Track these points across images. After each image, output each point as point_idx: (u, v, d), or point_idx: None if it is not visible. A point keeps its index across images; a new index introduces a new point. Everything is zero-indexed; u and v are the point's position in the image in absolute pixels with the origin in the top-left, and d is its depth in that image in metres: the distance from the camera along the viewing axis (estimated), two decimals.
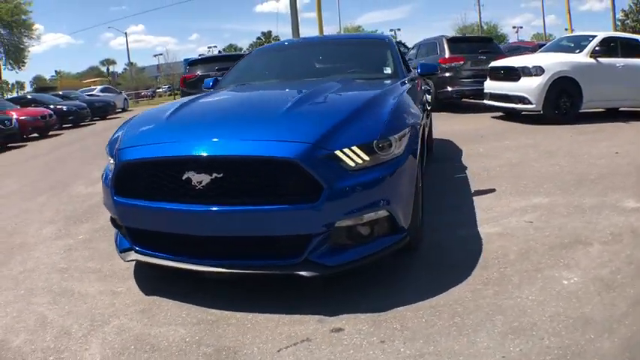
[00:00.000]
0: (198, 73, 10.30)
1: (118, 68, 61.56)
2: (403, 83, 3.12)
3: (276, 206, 1.90)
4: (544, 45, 9.72)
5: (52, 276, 2.64)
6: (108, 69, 60.44)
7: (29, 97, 15.98)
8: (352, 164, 1.97)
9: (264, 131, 2.06)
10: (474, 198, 3.50)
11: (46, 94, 16.95)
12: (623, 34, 8.91)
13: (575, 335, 1.72)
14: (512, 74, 7.17)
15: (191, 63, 11.74)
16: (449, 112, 9.18)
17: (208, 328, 1.94)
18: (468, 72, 9.20)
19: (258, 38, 59.69)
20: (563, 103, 6.79)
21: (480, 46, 9.63)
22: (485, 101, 8.02)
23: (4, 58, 29.85)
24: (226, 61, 9.37)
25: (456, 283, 2.17)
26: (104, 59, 64.44)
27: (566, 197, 3.38)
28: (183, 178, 2.00)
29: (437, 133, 6.14)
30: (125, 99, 23.62)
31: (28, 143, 10.82)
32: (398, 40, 32.93)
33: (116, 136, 2.50)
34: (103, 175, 2.50)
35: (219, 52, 37.66)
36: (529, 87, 6.80)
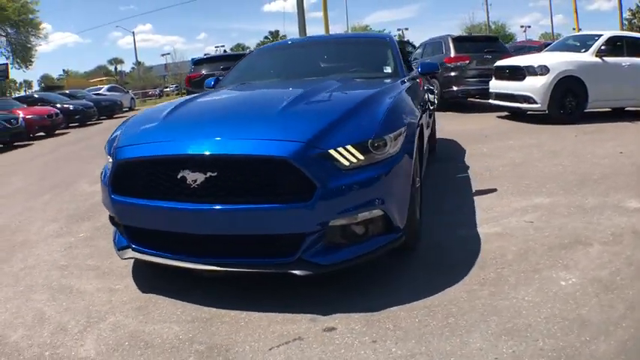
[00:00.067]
0: (204, 72, 10.36)
1: (126, 67, 62.09)
2: (403, 82, 3.10)
3: (269, 205, 1.90)
4: (550, 44, 9.62)
5: (52, 273, 2.67)
6: (116, 68, 60.94)
7: (36, 96, 16.14)
8: (346, 163, 1.97)
9: (257, 130, 2.07)
10: (475, 198, 3.48)
11: (52, 93, 17.10)
12: (630, 33, 8.79)
13: (570, 337, 1.70)
14: (517, 73, 7.11)
15: (196, 62, 11.82)
16: (455, 111, 9.12)
17: (202, 325, 1.94)
18: (474, 71, 9.13)
19: (266, 37, 59.78)
20: (569, 102, 6.72)
21: (485, 46, 9.55)
22: (490, 101, 7.96)
23: (11, 57, 30.04)
24: (231, 60, 9.39)
25: (452, 283, 2.16)
26: (112, 58, 64.97)
27: (568, 197, 3.34)
28: (179, 176, 2.01)
29: (441, 133, 6.12)
30: (132, 98, 23.78)
31: (34, 142, 10.94)
32: (406, 39, 32.88)
33: (114, 135, 2.52)
34: (101, 174, 2.52)
35: (225, 51, 37.76)
36: (534, 86, 6.74)
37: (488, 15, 45.99)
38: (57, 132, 12.43)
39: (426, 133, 3.64)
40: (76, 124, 14.24)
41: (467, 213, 3.15)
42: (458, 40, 9.64)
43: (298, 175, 1.89)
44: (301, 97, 2.44)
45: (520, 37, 43.19)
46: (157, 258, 2.19)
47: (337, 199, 1.92)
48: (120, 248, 2.38)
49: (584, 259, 2.35)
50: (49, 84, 44.80)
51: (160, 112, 2.53)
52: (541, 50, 8.92)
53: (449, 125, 7.24)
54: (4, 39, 29.49)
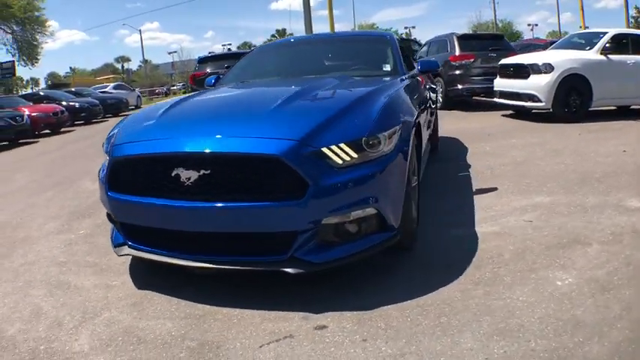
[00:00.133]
0: (208, 70, 10.40)
1: (133, 65, 62.43)
2: (402, 80, 3.09)
3: (261, 203, 1.90)
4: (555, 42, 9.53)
5: (51, 269, 2.69)
6: (122, 66, 61.30)
7: (42, 93, 16.26)
8: (339, 161, 1.96)
9: (251, 128, 2.07)
10: (475, 197, 3.46)
11: (58, 91, 17.22)
12: (635, 30, 8.68)
13: (563, 338, 1.68)
14: (521, 72, 7.05)
15: (201, 61, 11.87)
16: (459, 110, 9.08)
17: (195, 322, 1.95)
18: (479, 69, 9.08)
19: (273, 36, 59.84)
20: (573, 101, 6.65)
21: (490, 44, 9.49)
22: (495, 99, 7.90)
23: (17, 55, 30.08)
24: (236, 58, 9.37)
25: (446, 282, 2.14)
26: (119, 56, 65.38)
27: (568, 196, 3.31)
28: (173, 174, 2.02)
29: (445, 132, 6.10)
30: (138, 96, 23.91)
31: (39, 139, 11.04)
32: (413, 37, 32.71)
33: (112, 133, 2.54)
34: (99, 171, 2.54)
35: (229, 49, 37.74)
36: (538, 84, 6.67)
37: (495, 13, 45.71)
38: (62, 130, 12.54)
39: (426, 131, 3.63)
40: (82, 121, 14.36)
41: (466, 212, 3.13)
42: (463, 39, 9.58)
43: (290, 173, 1.88)
44: (296, 95, 2.44)
45: (527, 36, 42.90)
46: (153, 255, 2.20)
47: (330, 197, 1.91)
48: (116, 245, 2.40)
49: (582, 258, 2.32)
50: (55, 82, 45.10)
51: (157, 111, 2.55)
52: (546, 48, 8.83)
53: (453, 123, 7.21)
54: (9, 36, 29.64)
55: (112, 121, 14.88)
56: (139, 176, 2.18)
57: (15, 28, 29.43)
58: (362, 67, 3.54)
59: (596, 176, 3.75)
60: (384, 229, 2.10)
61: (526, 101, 6.94)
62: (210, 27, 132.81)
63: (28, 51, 30.45)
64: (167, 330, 1.91)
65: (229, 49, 37.75)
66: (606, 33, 6.94)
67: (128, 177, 2.22)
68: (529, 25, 51.09)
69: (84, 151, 8.19)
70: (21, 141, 10.43)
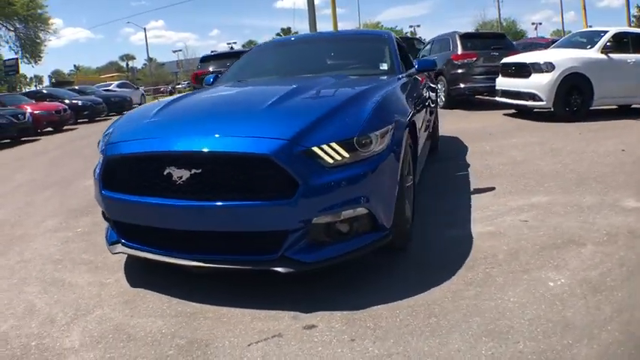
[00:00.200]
0: (211, 69, 10.41)
1: (138, 64, 62.54)
2: (398, 79, 3.08)
3: (252, 202, 1.90)
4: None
5: (47, 266, 2.71)
6: (127, 64, 61.48)
7: (44, 91, 16.32)
8: (330, 161, 1.96)
9: (242, 127, 2.07)
10: (472, 196, 3.45)
11: (61, 89, 17.27)
12: (636, 29, 8.61)
13: (552, 340, 1.66)
14: (523, 70, 7.01)
15: (203, 59, 11.89)
16: (462, 109, 9.05)
17: (185, 320, 1.96)
18: (481, 68, 9.04)
19: (278, 34, 59.78)
20: (574, 100, 6.61)
21: (492, 42, 9.45)
22: (497, 98, 7.87)
23: (20, 52, 29.95)
24: (238, 57, 9.40)
25: (439, 282, 2.14)
26: (124, 54, 65.55)
27: (565, 196, 3.30)
28: (165, 173, 2.03)
29: (445, 131, 6.08)
30: (142, 94, 23.94)
31: (41, 137, 11.07)
32: (418, 36, 32.54)
33: (107, 131, 2.55)
34: (94, 170, 2.55)
35: (231, 48, 37.73)
36: (539, 83, 6.64)
37: (499, 12, 45.34)
38: (65, 128, 12.57)
39: (424, 131, 3.62)
40: (85, 119, 14.39)
41: (462, 211, 3.12)
42: (465, 37, 9.53)
43: (280, 173, 1.88)
44: (289, 95, 2.44)
45: (531, 34, 42.69)
46: (145, 253, 2.21)
47: (320, 196, 1.91)
48: (110, 243, 2.41)
49: (575, 259, 2.31)
50: (60, 79, 45.24)
51: (152, 110, 2.56)
52: (548, 47, 8.78)
53: (454, 123, 7.19)
54: (12, 34, 29.55)
55: None
56: (132, 175, 2.19)
57: (18, 25, 29.33)
58: (359, 66, 3.53)
59: (594, 176, 3.73)
60: (375, 229, 2.09)
61: (527, 100, 6.91)
62: (216, 25, 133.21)
63: (31, 49, 30.36)
64: (158, 328, 1.92)
65: (232, 48, 37.74)
66: (607, 32, 6.89)
67: (121, 175, 2.23)
68: (533, 23, 50.97)
69: (85, 150, 8.19)
70: (23, 139, 10.47)
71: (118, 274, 2.50)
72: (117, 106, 17.08)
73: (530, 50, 9.26)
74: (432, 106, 4.73)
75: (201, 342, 1.79)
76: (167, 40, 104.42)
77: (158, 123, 2.35)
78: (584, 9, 23.77)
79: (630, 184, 3.48)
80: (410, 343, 1.68)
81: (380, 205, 2.08)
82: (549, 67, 6.58)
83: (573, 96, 6.60)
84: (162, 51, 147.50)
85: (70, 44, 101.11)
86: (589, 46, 6.90)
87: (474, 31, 20.81)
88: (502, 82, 7.64)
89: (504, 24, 44.38)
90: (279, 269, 1.95)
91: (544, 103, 6.65)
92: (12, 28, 29.34)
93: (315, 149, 1.95)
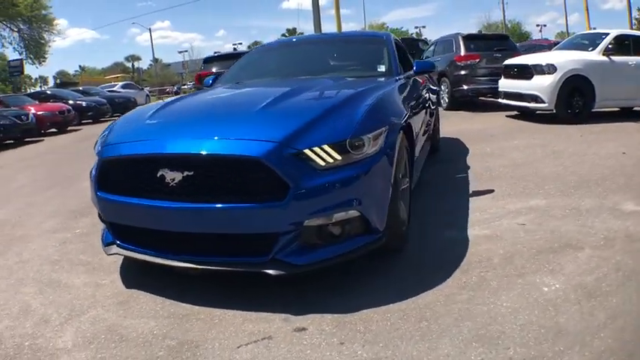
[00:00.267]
0: (214, 70, 10.43)
1: (144, 64, 62.86)
2: (396, 81, 3.08)
3: (243, 204, 1.91)
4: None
5: (44, 267, 2.73)
6: (133, 65, 61.79)
7: (48, 92, 16.39)
8: (322, 163, 1.95)
9: (233, 130, 2.07)
10: (471, 199, 3.43)
11: (65, 90, 17.35)
12: (637, 32, 8.55)
13: (543, 347, 1.64)
14: (525, 72, 6.98)
15: (207, 60, 11.92)
16: (465, 110, 9.02)
17: (177, 322, 1.97)
18: (484, 70, 9.02)
19: (283, 35, 59.87)
20: (576, 102, 6.58)
21: (495, 44, 9.42)
22: (499, 100, 7.84)
23: (24, 53, 29.92)
24: None
25: (432, 286, 2.13)
26: (129, 55, 65.85)
27: (564, 199, 3.27)
28: (158, 175, 2.03)
29: (447, 132, 6.06)
30: (147, 95, 24.06)
31: (45, 138, 11.14)
32: (423, 37, 32.46)
33: (104, 133, 2.57)
34: (90, 171, 2.56)
35: (235, 49, 37.83)
36: (541, 85, 6.61)
37: (504, 13, 45.32)
38: (69, 128, 12.64)
39: (422, 132, 3.61)
40: (89, 120, 14.47)
41: (460, 214, 3.11)
42: (468, 39, 9.52)
43: (271, 175, 1.88)
44: (283, 97, 2.44)
45: (536, 36, 42.44)
46: (140, 255, 2.22)
47: (311, 199, 1.91)
48: (106, 244, 2.42)
49: (571, 263, 2.29)
50: (64, 80, 45.46)
51: (148, 111, 2.57)
52: (551, 49, 8.74)
53: (456, 124, 7.17)
54: (16, 35, 29.53)
55: None
56: (126, 176, 2.20)
57: (22, 26, 29.31)
58: (357, 68, 3.53)
59: (594, 179, 3.70)
60: (368, 232, 2.09)
61: (529, 102, 6.88)
62: (222, 26, 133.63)
63: (36, 49, 30.33)
64: (149, 329, 1.93)
65: (235, 49, 37.84)
66: (608, 34, 6.85)
67: (116, 177, 2.25)
68: (538, 25, 50.61)
69: (88, 150, 8.17)
70: (27, 140, 10.53)
71: (114, 275, 2.51)
72: (121, 106, 17.14)
73: (533, 52, 9.23)
74: (432, 107, 4.72)
75: (192, 343, 1.79)
76: (173, 41, 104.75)
77: (153, 125, 2.36)
78: (587, 11, 23.76)
79: (630, 187, 3.45)
80: (399, 347, 1.68)
81: (372, 208, 2.07)
82: (551, 69, 6.55)
83: (575, 98, 6.57)
84: (168, 52, 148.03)
85: (75, 45, 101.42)
86: (591, 49, 6.86)
87: (480, 32, 20.76)
88: (504, 84, 7.61)
89: (509, 25, 44.20)
90: (270, 271, 1.95)
91: (546, 105, 6.62)
92: (16, 29, 29.39)
93: (307, 151, 1.94)
